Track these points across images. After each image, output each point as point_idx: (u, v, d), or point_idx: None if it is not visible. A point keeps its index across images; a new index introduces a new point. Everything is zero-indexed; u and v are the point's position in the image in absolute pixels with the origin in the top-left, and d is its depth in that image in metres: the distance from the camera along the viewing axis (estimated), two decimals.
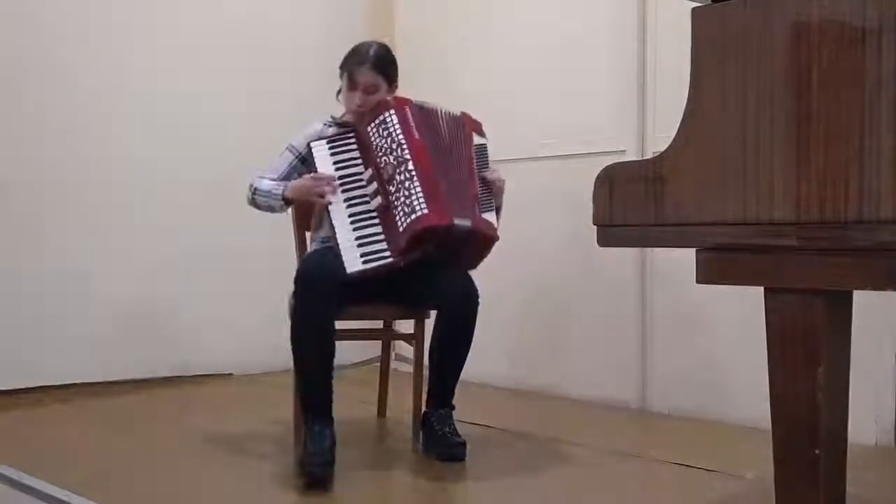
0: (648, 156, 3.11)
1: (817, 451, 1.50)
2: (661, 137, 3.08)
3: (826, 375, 1.50)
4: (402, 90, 2.74)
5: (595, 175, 1.69)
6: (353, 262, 2.47)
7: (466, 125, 2.74)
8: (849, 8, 1.42)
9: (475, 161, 2.70)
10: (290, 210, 2.75)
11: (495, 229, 2.65)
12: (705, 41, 1.58)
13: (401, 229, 2.47)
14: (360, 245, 2.49)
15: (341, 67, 2.69)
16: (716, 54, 1.56)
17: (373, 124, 2.59)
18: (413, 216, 2.45)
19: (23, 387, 3.31)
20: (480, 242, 2.63)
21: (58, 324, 3.41)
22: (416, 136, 2.55)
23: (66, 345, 3.43)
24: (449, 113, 2.71)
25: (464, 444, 2.57)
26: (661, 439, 2.94)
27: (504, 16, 3.76)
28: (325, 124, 2.76)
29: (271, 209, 2.67)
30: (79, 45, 3.49)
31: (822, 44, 1.44)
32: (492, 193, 2.71)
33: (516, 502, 2.26)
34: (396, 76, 2.74)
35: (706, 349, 3.12)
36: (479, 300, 2.55)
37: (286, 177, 2.71)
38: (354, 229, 2.51)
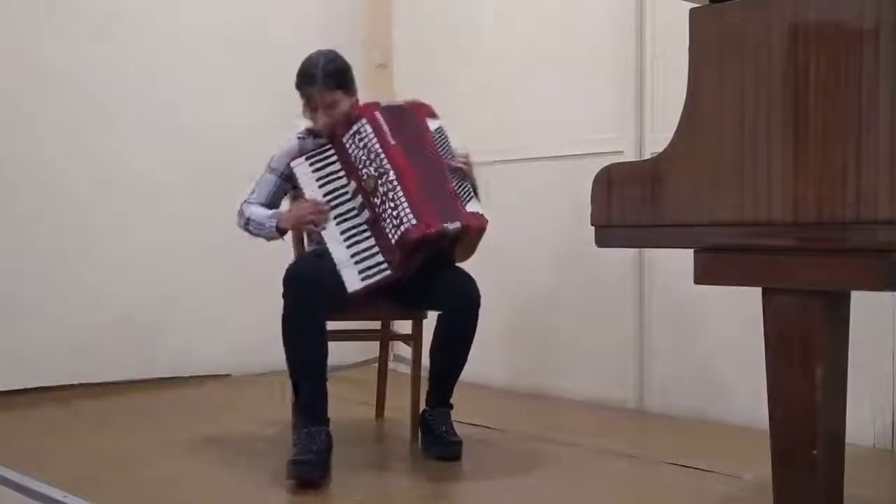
0: (646, 156, 3.12)
1: (815, 452, 1.50)
2: (659, 138, 3.08)
3: (824, 376, 1.50)
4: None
5: (593, 176, 1.70)
6: (352, 280, 2.46)
7: (418, 114, 2.66)
8: (846, 9, 1.42)
9: (439, 149, 2.61)
10: None
11: (483, 217, 2.59)
12: (703, 42, 1.58)
13: (392, 242, 2.46)
14: (356, 262, 2.48)
15: (296, 88, 2.64)
16: (714, 55, 1.56)
17: (348, 135, 2.55)
18: (402, 228, 2.43)
19: (21, 387, 3.30)
20: (472, 235, 2.60)
21: (56, 324, 3.41)
22: (392, 142, 2.52)
23: (64, 345, 3.42)
24: (401, 107, 2.65)
25: (459, 443, 2.57)
26: (658, 439, 2.94)
27: (502, 16, 3.76)
28: (299, 137, 2.74)
29: (267, 238, 2.67)
30: (77, 46, 3.49)
31: (819, 44, 1.44)
32: (465, 179, 2.63)
33: (514, 503, 2.26)
34: (353, 82, 2.67)
35: (704, 349, 3.12)
36: (481, 301, 2.54)
37: (273, 198, 2.72)
38: (348, 246, 2.50)
